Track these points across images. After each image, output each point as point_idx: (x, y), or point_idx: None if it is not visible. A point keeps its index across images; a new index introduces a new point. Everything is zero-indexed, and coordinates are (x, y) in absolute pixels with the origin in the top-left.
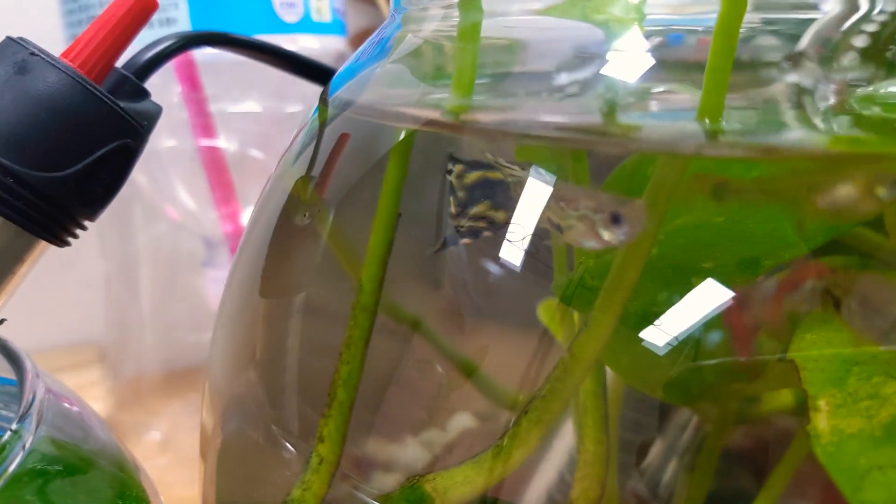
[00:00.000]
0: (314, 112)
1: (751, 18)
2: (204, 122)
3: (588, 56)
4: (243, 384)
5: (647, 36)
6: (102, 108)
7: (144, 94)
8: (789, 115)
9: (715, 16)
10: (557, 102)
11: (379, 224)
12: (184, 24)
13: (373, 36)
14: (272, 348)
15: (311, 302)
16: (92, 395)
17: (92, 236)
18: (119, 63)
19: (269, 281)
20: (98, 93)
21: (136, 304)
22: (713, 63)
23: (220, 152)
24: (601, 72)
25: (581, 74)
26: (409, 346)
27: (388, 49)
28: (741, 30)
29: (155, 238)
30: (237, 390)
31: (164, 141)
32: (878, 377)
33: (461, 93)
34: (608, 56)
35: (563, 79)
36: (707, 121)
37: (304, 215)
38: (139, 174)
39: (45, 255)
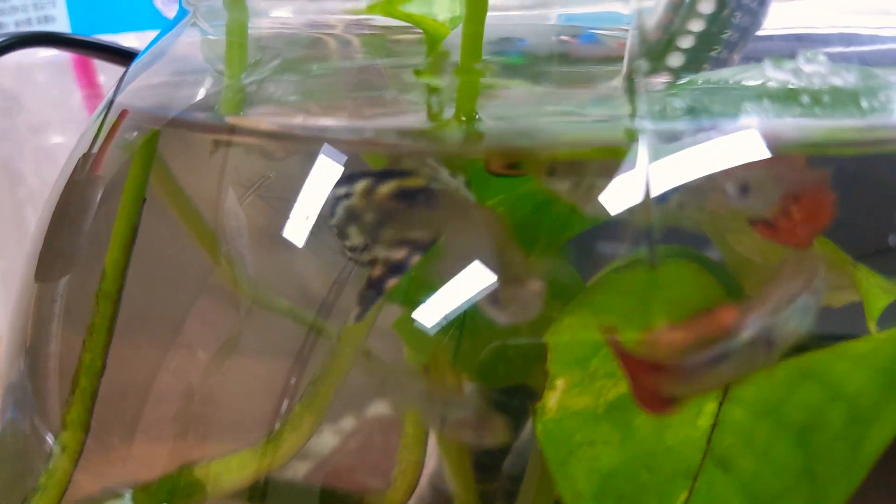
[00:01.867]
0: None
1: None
2: None
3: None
4: (16, 372)
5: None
6: None
7: None
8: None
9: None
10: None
11: (123, 209)
12: (62, 22)
13: (175, 26)
14: (36, 336)
15: (74, 289)
16: None
17: None
18: None
19: (43, 265)
20: None
21: None
22: (463, 65)
23: None
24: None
25: None
26: (177, 330)
27: (173, 42)
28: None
29: None
30: (12, 378)
31: (53, 137)
32: None
33: (230, 92)
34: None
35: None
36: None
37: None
38: (31, 176)
39: None
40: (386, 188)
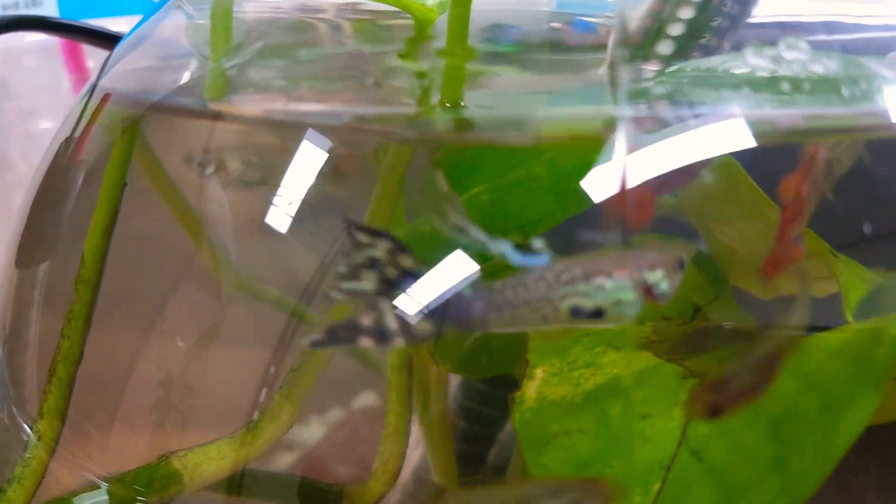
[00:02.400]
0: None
1: None
2: None
3: None
4: None
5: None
6: None
7: None
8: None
9: None
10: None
11: (103, 195)
12: (50, 6)
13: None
14: (16, 323)
15: (54, 275)
16: None
17: None
18: None
19: (23, 251)
20: None
21: None
22: (449, 49)
23: None
24: None
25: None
26: (156, 318)
27: (157, 25)
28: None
29: None
30: None
31: (41, 123)
32: (601, 347)
33: (214, 77)
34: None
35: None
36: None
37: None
38: (20, 161)
39: None
40: (407, 261)
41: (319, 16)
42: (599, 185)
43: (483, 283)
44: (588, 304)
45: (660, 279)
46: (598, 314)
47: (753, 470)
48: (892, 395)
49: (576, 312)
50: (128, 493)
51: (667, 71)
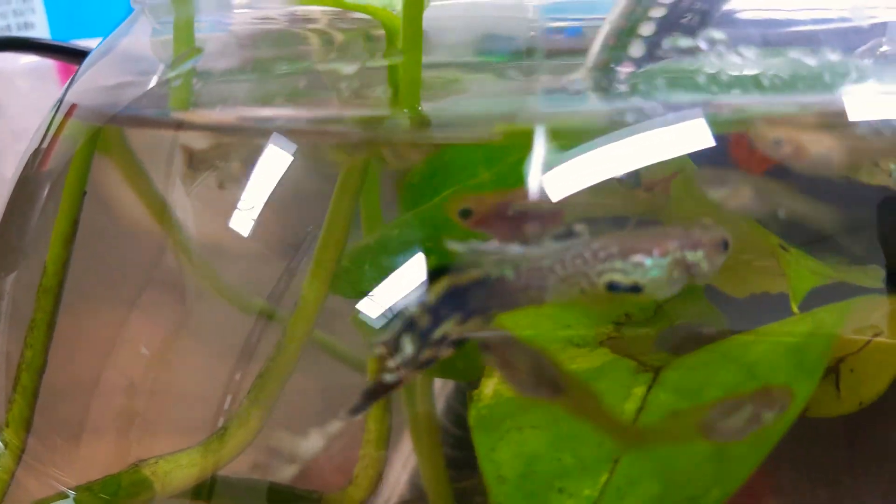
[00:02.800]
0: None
1: None
2: None
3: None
4: None
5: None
6: None
7: None
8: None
9: None
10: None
11: (64, 204)
12: (41, 28)
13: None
14: None
15: (18, 286)
16: None
17: None
18: None
19: None
20: None
21: None
22: (405, 58)
23: None
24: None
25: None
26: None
27: (121, 38)
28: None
29: None
30: None
31: None
32: (559, 344)
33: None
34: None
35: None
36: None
37: None
38: (9, 175)
39: None
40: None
41: (312, 26)
42: (536, 185)
43: (525, 263)
44: (625, 280)
45: (700, 259)
46: (635, 289)
47: (693, 459)
48: (848, 387)
49: (612, 287)
50: (95, 501)
51: (638, 72)
